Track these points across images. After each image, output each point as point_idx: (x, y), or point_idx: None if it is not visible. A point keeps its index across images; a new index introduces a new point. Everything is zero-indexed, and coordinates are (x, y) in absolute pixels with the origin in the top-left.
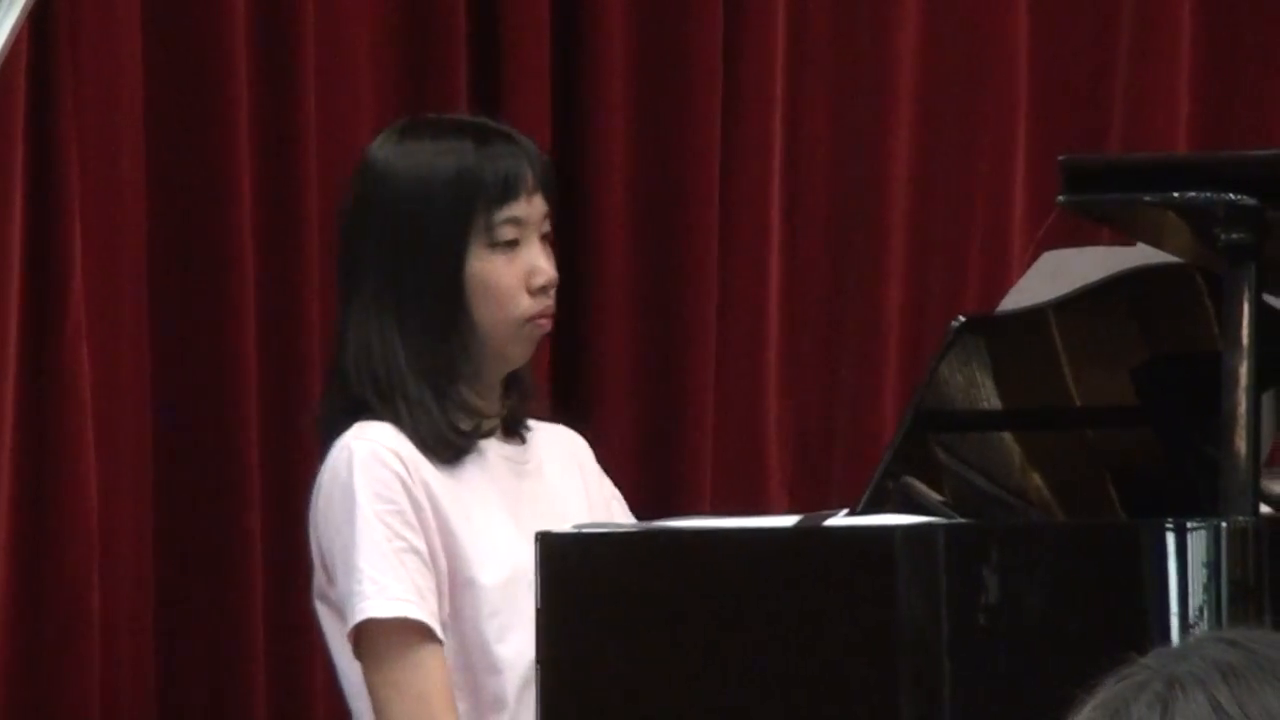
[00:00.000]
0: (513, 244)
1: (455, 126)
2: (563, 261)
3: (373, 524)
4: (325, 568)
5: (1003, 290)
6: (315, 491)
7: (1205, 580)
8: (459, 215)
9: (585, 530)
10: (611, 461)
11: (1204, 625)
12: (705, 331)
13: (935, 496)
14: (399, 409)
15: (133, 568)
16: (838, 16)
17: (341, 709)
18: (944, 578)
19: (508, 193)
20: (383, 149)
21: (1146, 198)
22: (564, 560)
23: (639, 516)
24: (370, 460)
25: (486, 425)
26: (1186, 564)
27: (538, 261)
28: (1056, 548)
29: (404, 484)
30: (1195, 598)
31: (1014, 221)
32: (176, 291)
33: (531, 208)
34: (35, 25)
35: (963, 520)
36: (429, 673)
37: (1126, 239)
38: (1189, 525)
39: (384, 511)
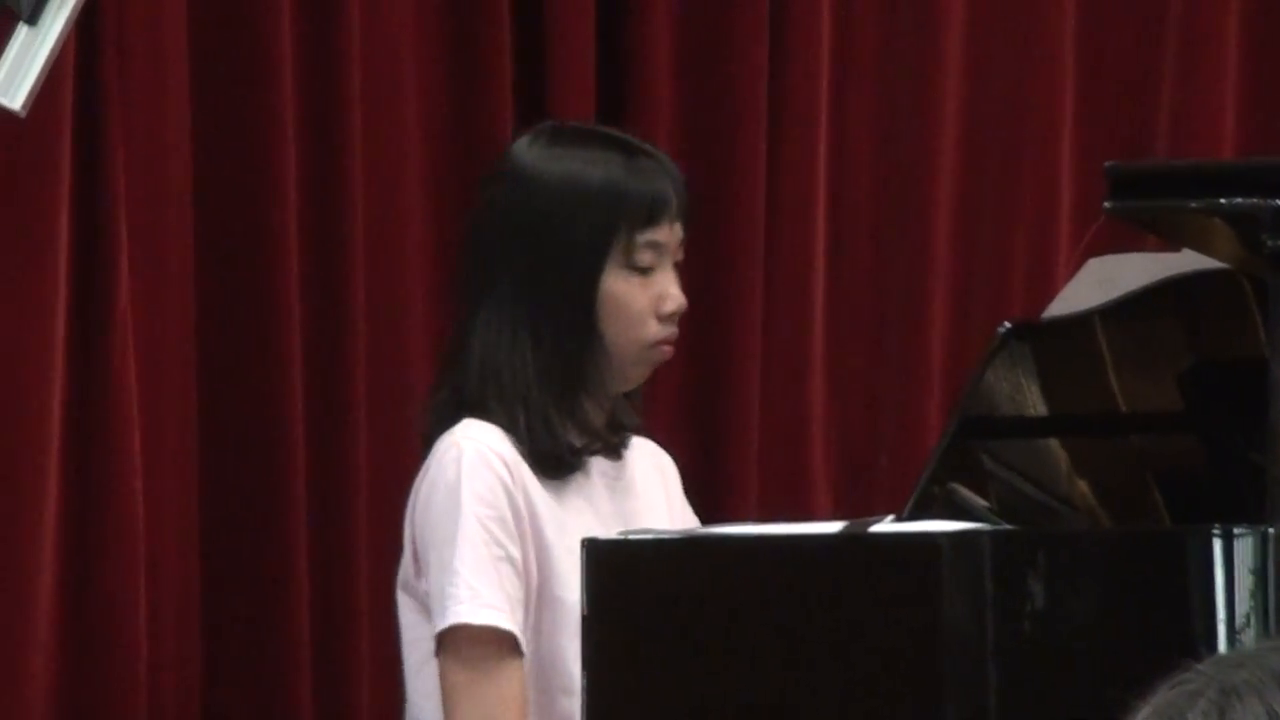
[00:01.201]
0: (649, 268)
1: (603, 139)
2: None
3: (474, 527)
4: (416, 560)
5: (1048, 296)
6: (418, 483)
7: (1252, 587)
8: (603, 232)
9: (631, 537)
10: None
11: (1250, 632)
12: (750, 337)
13: (981, 503)
14: (517, 417)
15: (179, 570)
16: (883, 21)
17: (386, 709)
18: (990, 584)
19: (652, 217)
20: (529, 152)
21: (1192, 204)
22: (610, 566)
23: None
24: (478, 462)
25: (595, 444)
26: (1233, 570)
27: (670, 288)
28: (1103, 554)
29: (507, 490)
30: (1242, 604)
31: (1060, 228)
32: (222, 294)
33: (672, 234)
34: (82, 28)
35: (1009, 527)
36: (507, 686)
37: (1172, 245)
38: (1236, 532)
39: (486, 516)
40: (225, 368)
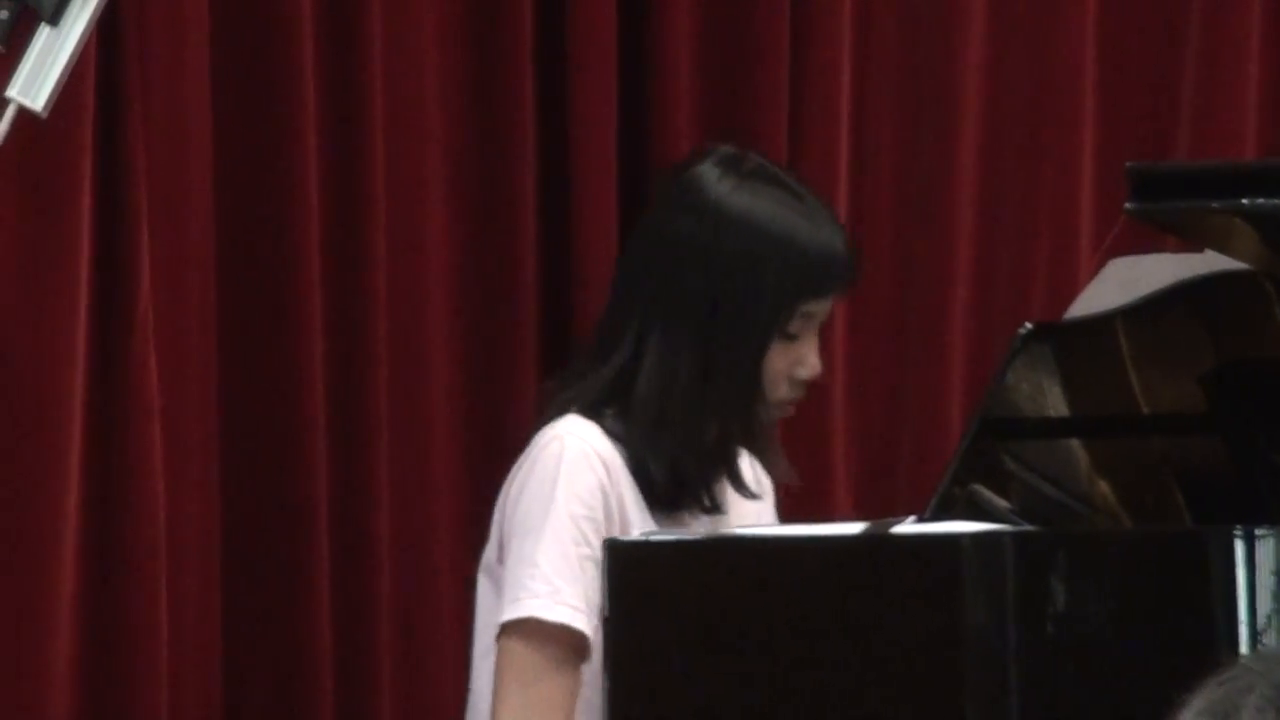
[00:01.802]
0: (796, 335)
1: (787, 187)
2: None
3: (565, 523)
4: (501, 544)
5: (1069, 297)
6: (516, 469)
7: (1274, 588)
8: (777, 291)
9: (652, 537)
10: None
11: (1272, 633)
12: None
13: (1002, 503)
14: (664, 448)
15: (199, 570)
16: (904, 24)
17: (408, 710)
18: (1012, 585)
19: (821, 288)
20: (719, 187)
21: (1214, 205)
22: (631, 567)
23: None
24: (579, 459)
25: (727, 489)
26: (1255, 571)
27: (810, 356)
28: (1124, 555)
29: (604, 491)
30: (1264, 605)
31: (1081, 229)
32: (244, 294)
33: (828, 304)
34: (103, 28)
35: (1030, 527)
36: (563, 687)
37: (1193, 246)
38: (1257, 533)
39: (580, 514)
40: (246, 367)
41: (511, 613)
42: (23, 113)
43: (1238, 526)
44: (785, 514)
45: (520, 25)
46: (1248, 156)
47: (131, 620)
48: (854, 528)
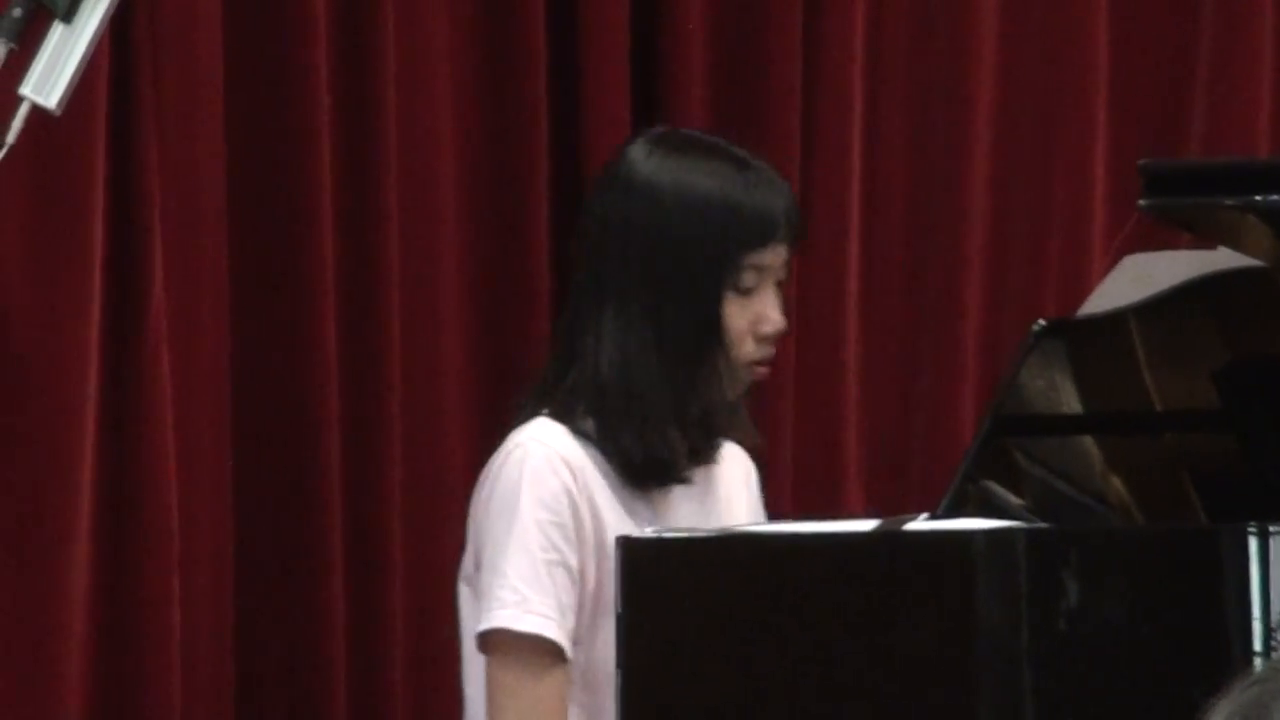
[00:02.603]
0: (750, 289)
1: (721, 152)
2: None
3: (530, 530)
4: (476, 554)
5: (1083, 294)
6: (483, 478)
7: None
8: (720, 252)
9: (665, 534)
10: None
11: None
12: (784, 336)
13: (1015, 500)
14: (627, 425)
15: (213, 566)
16: (916, 20)
17: (420, 708)
18: (1024, 582)
19: (763, 239)
20: (649, 162)
21: (1227, 201)
22: (645, 564)
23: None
24: (542, 465)
25: (696, 457)
26: (1269, 568)
27: (770, 310)
28: (1137, 552)
29: (570, 494)
30: (1278, 602)
31: (1094, 225)
32: (257, 292)
33: (777, 257)
34: (117, 26)
35: (1043, 524)
36: (550, 690)
37: (1207, 243)
38: (1272, 529)
39: (545, 520)
40: (260, 367)
41: (484, 624)
42: (36, 110)
43: (1252, 524)
44: (797, 511)
45: (533, 27)
46: (1261, 153)
47: (144, 619)
48: (866, 525)
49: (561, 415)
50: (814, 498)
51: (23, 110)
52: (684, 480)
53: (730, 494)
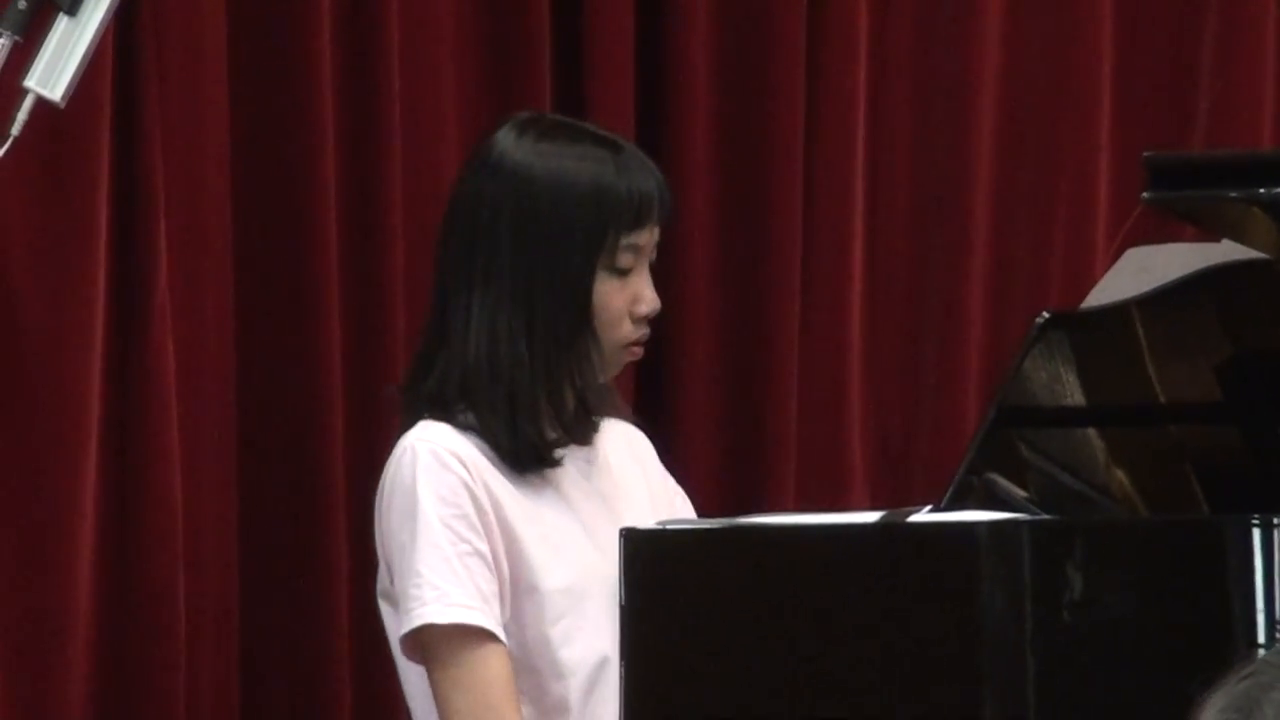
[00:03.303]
0: (627, 270)
1: (590, 136)
2: None
3: (435, 528)
4: (388, 567)
5: (1087, 286)
6: (379, 490)
7: None
8: (593, 234)
9: (669, 526)
10: (695, 458)
11: None
12: (789, 327)
13: (1019, 493)
14: (500, 412)
15: (217, 562)
16: (921, 12)
17: None
18: (1028, 574)
19: (638, 220)
20: (518, 147)
21: (1231, 194)
22: (648, 556)
23: (723, 513)
24: (433, 463)
25: (569, 437)
26: (1273, 560)
27: (645, 290)
28: (1141, 544)
29: (467, 487)
30: None
31: (1098, 218)
32: (261, 283)
33: (651, 237)
34: (121, 18)
35: (1047, 516)
36: (491, 671)
37: (1211, 235)
38: (1275, 521)
39: (448, 515)
40: (264, 357)
41: (405, 626)
42: (41, 102)
43: (1255, 515)
44: (801, 504)
45: (538, 22)
46: (1265, 145)
47: (149, 612)
48: (870, 517)
49: (441, 413)
50: (818, 490)
51: (27, 103)
52: (558, 463)
53: (616, 461)
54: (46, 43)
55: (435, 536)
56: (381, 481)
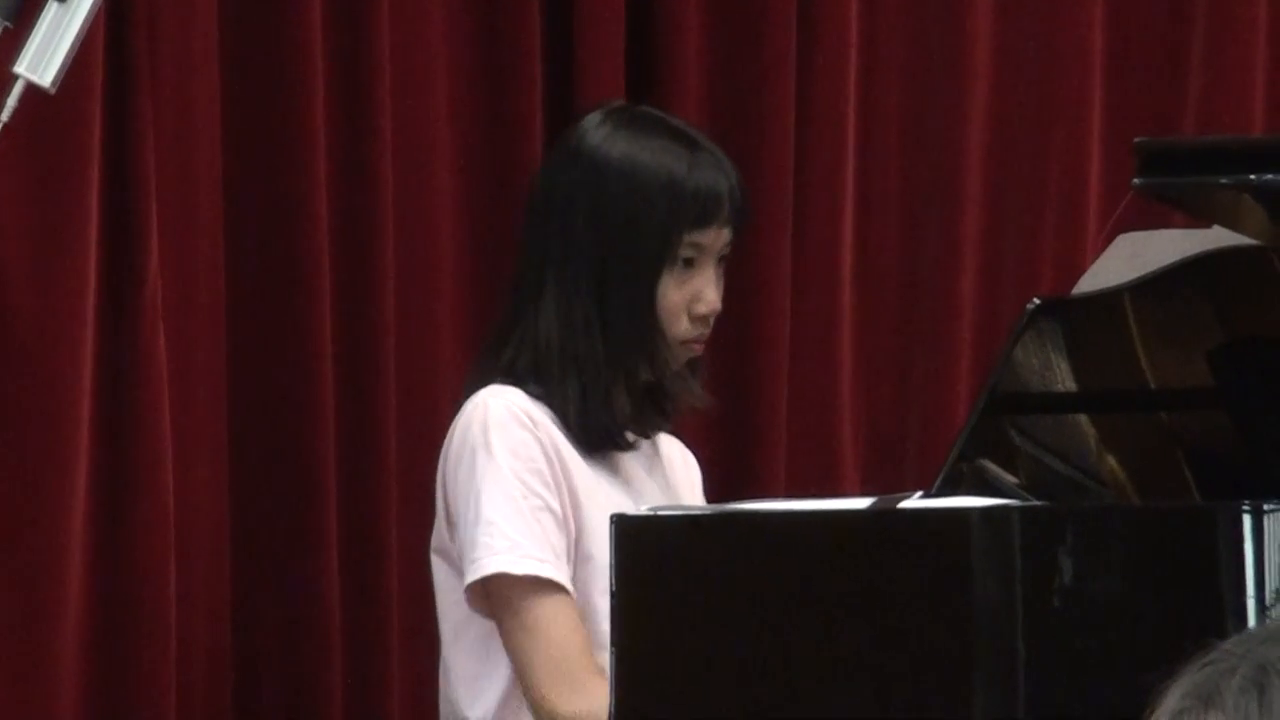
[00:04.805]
0: (689, 264)
1: (671, 131)
2: None
3: (510, 480)
4: (450, 520)
5: (1078, 273)
6: (447, 445)
7: None
8: (659, 229)
9: (660, 512)
10: (686, 444)
11: None
12: (779, 314)
13: (1010, 479)
14: (573, 393)
15: (209, 555)
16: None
17: (418, 695)
18: (1019, 560)
19: (703, 218)
20: (598, 134)
21: (1222, 180)
22: (639, 542)
23: (714, 502)
24: (508, 418)
25: (639, 424)
26: (1263, 546)
27: (706, 290)
28: (1132, 530)
29: (540, 444)
30: (1272, 580)
31: (1089, 204)
32: (253, 273)
33: (718, 238)
34: (112, 4)
35: (1038, 502)
36: (570, 624)
37: (1201, 222)
38: (1266, 508)
39: (521, 469)
40: (256, 347)
41: (475, 573)
42: (31, 89)
43: (1246, 502)
44: (792, 490)
45: (529, 19)
46: (1256, 132)
47: (140, 606)
48: (862, 503)
49: (512, 379)
50: (809, 476)
51: (17, 89)
52: (630, 446)
53: (673, 471)
54: (36, 28)
55: (509, 488)
56: (451, 433)
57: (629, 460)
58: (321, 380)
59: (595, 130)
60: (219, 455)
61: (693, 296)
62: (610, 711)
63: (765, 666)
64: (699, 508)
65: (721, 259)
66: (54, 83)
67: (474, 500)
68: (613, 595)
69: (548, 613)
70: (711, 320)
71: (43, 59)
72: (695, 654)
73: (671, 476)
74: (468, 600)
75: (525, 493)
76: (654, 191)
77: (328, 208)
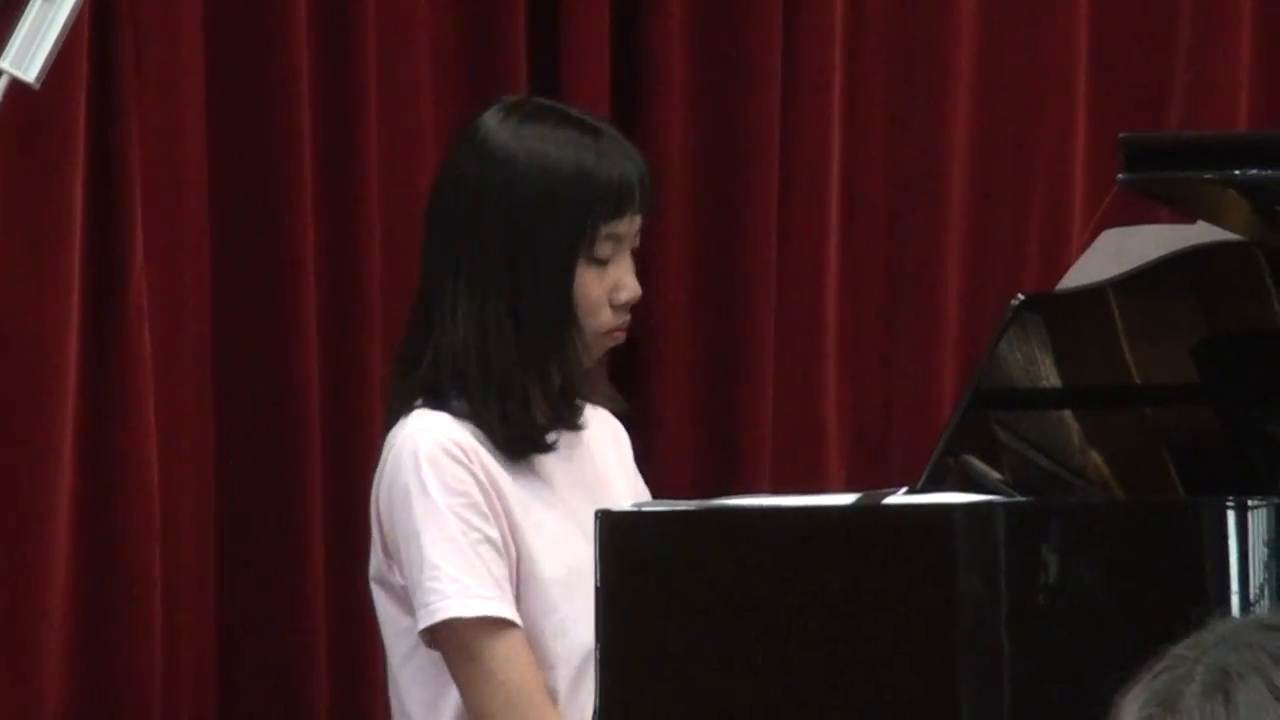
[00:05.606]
0: (606, 258)
1: (574, 121)
2: None
3: (447, 518)
4: (389, 554)
5: (1062, 269)
6: (379, 477)
7: (1266, 559)
8: (574, 222)
9: (645, 508)
10: (672, 443)
11: (1265, 604)
12: (764, 310)
13: (994, 475)
14: (491, 400)
15: (194, 549)
16: None
17: None
18: (1003, 556)
19: (618, 209)
20: (502, 130)
21: (1207, 175)
22: (624, 538)
23: (699, 498)
24: (438, 453)
25: (558, 423)
26: (1247, 542)
27: (626, 278)
28: (1116, 526)
29: (474, 475)
30: (1256, 576)
31: (1074, 200)
32: (238, 270)
33: (631, 226)
34: (96, 4)
35: (1022, 498)
36: (520, 662)
37: (1186, 217)
38: (1250, 503)
39: (457, 505)
40: (241, 342)
41: (427, 620)
42: (15, 84)
43: (1230, 498)
44: (777, 486)
45: (514, 19)
46: (1241, 127)
47: (126, 599)
48: (847, 499)
49: (435, 401)
50: (794, 472)
51: (1, 84)
52: (551, 448)
53: (598, 448)
54: (21, 23)
55: (448, 528)
56: (381, 470)
57: (550, 462)
58: (307, 374)
59: (498, 126)
60: (204, 449)
61: (613, 286)
62: (595, 705)
63: (749, 662)
64: (684, 503)
65: (633, 248)
66: (38, 78)
67: (414, 543)
68: (597, 590)
69: (501, 653)
70: (629, 308)
71: (27, 54)
72: (679, 648)
73: (600, 460)
74: (426, 641)
75: (464, 528)
76: (566, 184)
77: (313, 203)
